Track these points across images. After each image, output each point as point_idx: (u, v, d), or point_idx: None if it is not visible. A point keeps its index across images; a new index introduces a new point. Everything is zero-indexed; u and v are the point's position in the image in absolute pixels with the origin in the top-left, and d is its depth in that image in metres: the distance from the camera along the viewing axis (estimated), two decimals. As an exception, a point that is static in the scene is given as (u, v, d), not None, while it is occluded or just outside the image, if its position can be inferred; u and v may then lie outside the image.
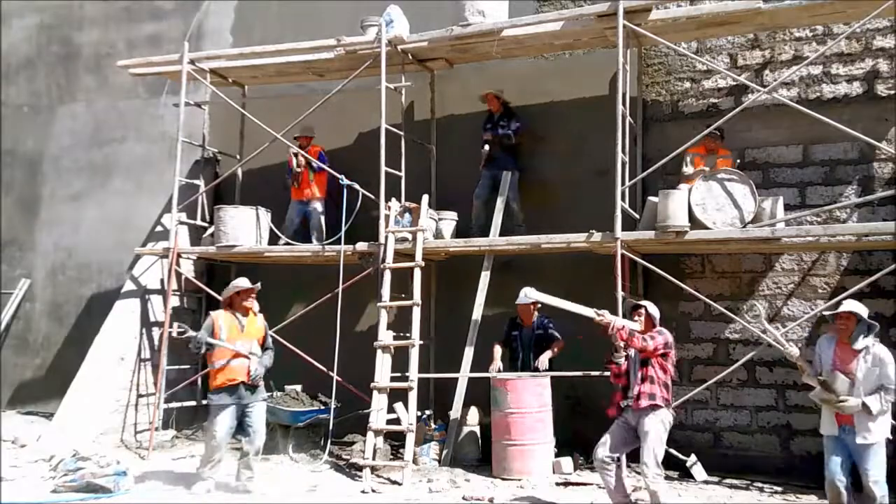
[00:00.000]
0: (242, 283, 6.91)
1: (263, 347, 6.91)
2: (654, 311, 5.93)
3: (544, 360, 7.66)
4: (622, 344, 5.72)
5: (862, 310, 5.28)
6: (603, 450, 5.69)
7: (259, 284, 6.97)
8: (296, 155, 9.20)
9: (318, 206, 9.34)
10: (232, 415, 6.67)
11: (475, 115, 9.11)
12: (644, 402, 5.61)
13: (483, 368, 7.92)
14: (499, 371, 7.78)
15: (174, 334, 6.82)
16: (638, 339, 5.62)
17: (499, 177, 8.68)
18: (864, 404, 5.03)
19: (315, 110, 8.95)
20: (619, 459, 5.83)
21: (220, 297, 9.07)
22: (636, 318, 5.89)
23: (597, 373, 7.19)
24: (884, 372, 5.09)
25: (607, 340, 5.81)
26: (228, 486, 6.80)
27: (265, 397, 7.00)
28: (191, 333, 6.72)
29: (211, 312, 6.99)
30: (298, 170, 9.24)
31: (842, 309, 5.30)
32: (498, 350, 7.93)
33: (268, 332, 7.04)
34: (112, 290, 10.41)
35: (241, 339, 6.74)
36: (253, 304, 6.91)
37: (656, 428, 5.60)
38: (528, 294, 5.96)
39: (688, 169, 7.91)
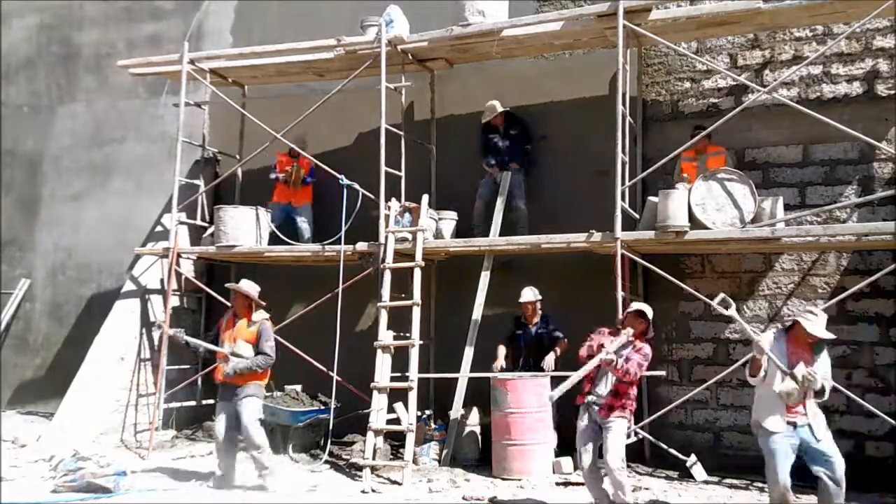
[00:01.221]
0: (243, 286, 6.92)
1: (256, 351, 6.77)
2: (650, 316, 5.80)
3: (549, 361, 7.66)
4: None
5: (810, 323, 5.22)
6: (588, 458, 5.65)
7: (252, 292, 6.85)
8: (288, 171, 9.34)
9: (306, 210, 9.42)
10: (224, 412, 6.77)
11: (475, 115, 9.10)
12: (615, 414, 5.59)
13: (483, 368, 7.92)
14: (501, 370, 7.78)
15: (171, 335, 6.91)
16: (620, 371, 5.52)
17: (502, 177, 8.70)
18: (823, 387, 5.14)
19: (315, 110, 8.95)
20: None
21: (220, 297, 9.21)
22: (636, 325, 5.70)
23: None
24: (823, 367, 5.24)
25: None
26: (244, 485, 6.83)
27: (252, 393, 6.79)
28: (181, 337, 6.97)
29: (224, 310, 7.10)
30: (292, 182, 9.36)
31: (811, 332, 5.21)
32: (502, 349, 7.94)
33: (264, 337, 6.80)
34: (112, 290, 10.41)
35: (228, 340, 6.81)
36: (254, 313, 6.87)
37: (620, 426, 5.61)
38: (551, 396, 5.86)
39: (677, 177, 7.91)
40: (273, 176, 9.44)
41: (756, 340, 5.28)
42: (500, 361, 7.86)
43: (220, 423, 6.78)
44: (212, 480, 6.91)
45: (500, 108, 8.76)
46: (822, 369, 5.22)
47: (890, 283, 7.42)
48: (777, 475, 5.16)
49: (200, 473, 7.33)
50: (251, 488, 6.77)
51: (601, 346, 5.58)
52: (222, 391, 6.85)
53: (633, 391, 5.68)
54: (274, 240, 9.17)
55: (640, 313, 5.73)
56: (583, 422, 5.73)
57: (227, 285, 7.03)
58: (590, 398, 5.68)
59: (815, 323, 5.22)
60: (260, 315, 6.91)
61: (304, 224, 9.39)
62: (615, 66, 7.67)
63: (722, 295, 5.41)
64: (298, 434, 8.20)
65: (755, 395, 5.45)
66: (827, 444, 5.19)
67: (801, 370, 5.12)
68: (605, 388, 5.65)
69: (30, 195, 11.75)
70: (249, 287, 6.94)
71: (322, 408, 8.23)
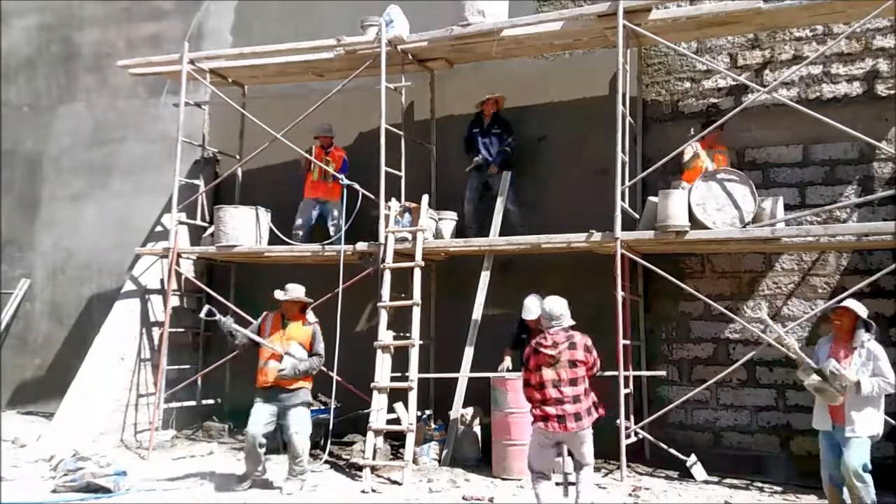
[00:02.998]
0: (292, 292, 6.88)
1: (310, 353, 6.86)
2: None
3: None
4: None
5: (861, 309, 5.38)
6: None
7: (303, 297, 6.92)
8: (313, 161, 9.15)
9: (336, 205, 9.14)
10: (262, 415, 6.68)
11: (475, 115, 9.10)
12: (585, 423, 5.46)
13: (483, 368, 7.91)
14: (507, 371, 7.75)
15: (202, 314, 6.79)
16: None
17: (489, 179, 8.69)
18: (858, 382, 5.17)
19: (315, 110, 8.95)
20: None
21: (219, 297, 9.21)
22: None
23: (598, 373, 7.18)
24: (877, 366, 5.28)
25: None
26: (270, 484, 6.86)
27: (304, 401, 6.85)
28: (219, 317, 6.78)
29: (267, 311, 7.04)
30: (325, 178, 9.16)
31: (841, 304, 5.46)
32: (508, 357, 7.87)
33: (318, 339, 6.93)
34: (112, 290, 10.41)
35: (279, 340, 6.76)
36: (307, 315, 6.97)
37: (591, 442, 5.54)
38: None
39: (687, 159, 7.85)
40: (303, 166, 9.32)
41: (786, 342, 5.54)
42: (507, 364, 7.83)
43: (257, 425, 6.64)
44: (235, 482, 6.89)
45: (498, 97, 8.75)
46: (859, 366, 5.26)
47: (890, 283, 7.42)
48: (823, 474, 5.44)
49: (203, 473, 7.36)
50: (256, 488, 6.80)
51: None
52: (264, 391, 6.71)
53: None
54: (274, 239, 9.17)
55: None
56: (536, 441, 5.63)
57: (277, 294, 6.90)
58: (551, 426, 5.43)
59: (848, 301, 5.46)
60: (313, 317, 7.00)
61: (333, 221, 9.13)
62: (615, 66, 7.67)
63: (760, 302, 5.57)
64: (298, 434, 8.20)
65: None
66: (846, 453, 5.19)
67: (830, 366, 5.22)
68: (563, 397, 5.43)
69: (30, 195, 11.74)
70: (301, 293, 6.94)
71: (322, 408, 8.24)
